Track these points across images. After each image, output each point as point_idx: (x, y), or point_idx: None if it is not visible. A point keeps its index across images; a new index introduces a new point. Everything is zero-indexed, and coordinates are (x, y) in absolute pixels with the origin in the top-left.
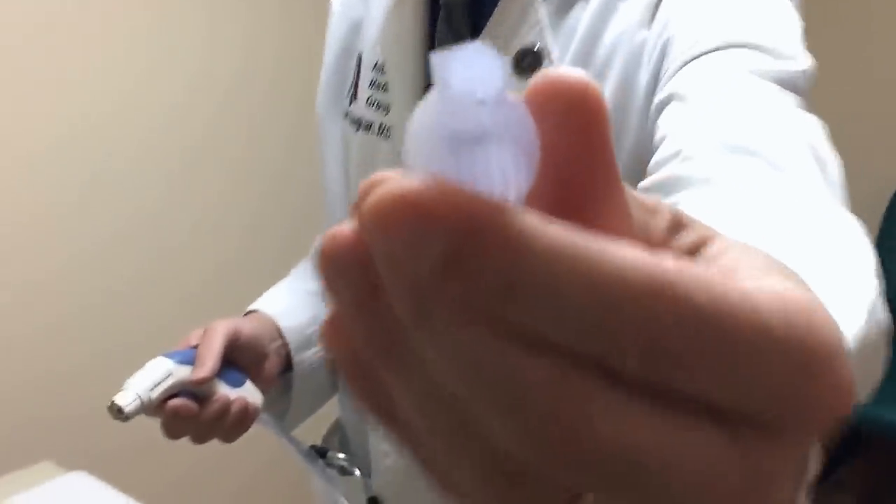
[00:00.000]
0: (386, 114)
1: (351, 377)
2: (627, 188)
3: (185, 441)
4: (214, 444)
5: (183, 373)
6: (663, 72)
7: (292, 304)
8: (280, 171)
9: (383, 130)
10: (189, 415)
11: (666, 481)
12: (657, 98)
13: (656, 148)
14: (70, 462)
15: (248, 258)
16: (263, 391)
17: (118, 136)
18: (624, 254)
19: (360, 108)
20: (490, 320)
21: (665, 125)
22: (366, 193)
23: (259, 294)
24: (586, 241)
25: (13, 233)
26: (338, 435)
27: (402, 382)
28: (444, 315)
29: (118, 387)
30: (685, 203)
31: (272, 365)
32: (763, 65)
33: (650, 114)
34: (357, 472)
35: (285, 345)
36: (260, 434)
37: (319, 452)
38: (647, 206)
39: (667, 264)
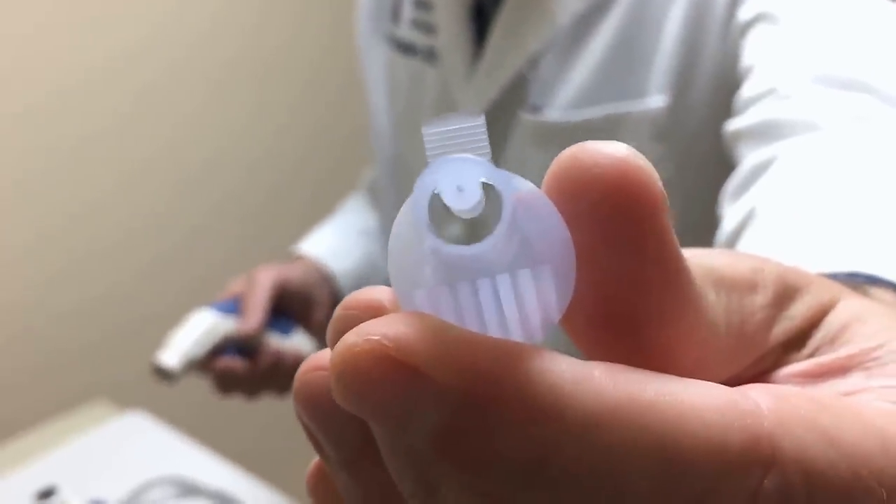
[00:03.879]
0: (432, 35)
1: None
2: (711, 272)
3: None
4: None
5: (229, 325)
6: None
7: (341, 245)
8: (328, 103)
9: (430, 55)
10: (241, 372)
11: None
12: (741, 15)
13: (742, 76)
14: (126, 400)
15: (292, 194)
16: (314, 338)
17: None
18: (698, 403)
19: (404, 30)
20: (516, 498)
21: (753, 52)
22: (340, 324)
23: (304, 231)
24: (644, 393)
25: (65, 168)
26: None
27: None
28: (453, 495)
29: (180, 318)
30: (787, 155)
31: (321, 311)
32: None
33: (731, 31)
34: None
35: (336, 289)
36: None
37: None
38: (741, 284)
39: (761, 410)
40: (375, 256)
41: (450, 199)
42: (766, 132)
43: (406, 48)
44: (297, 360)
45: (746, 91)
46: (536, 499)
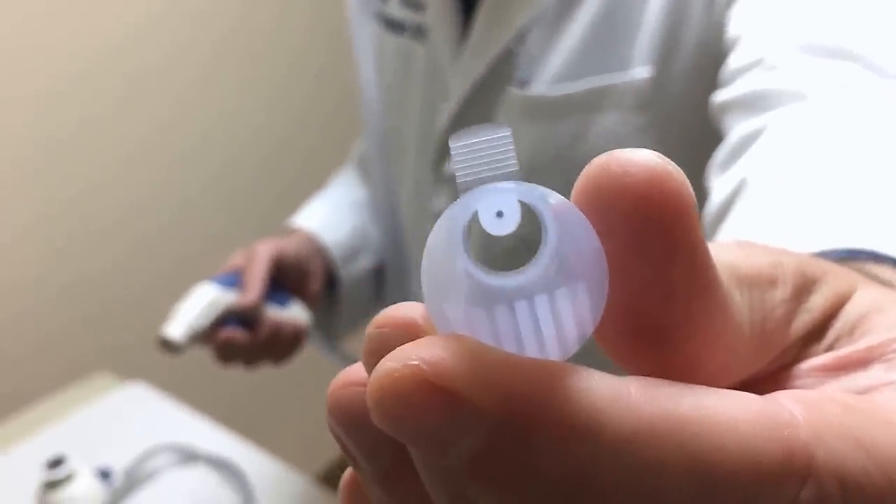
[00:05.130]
0: (420, 12)
1: None
2: (733, 270)
3: None
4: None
5: (230, 298)
6: None
7: (332, 217)
8: (316, 79)
9: (418, 32)
10: (241, 342)
11: None
12: None
13: (729, 47)
14: (127, 371)
15: (284, 169)
16: (310, 309)
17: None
18: (733, 416)
19: (394, 8)
20: None
21: (739, 22)
22: (374, 342)
23: (296, 205)
24: (680, 409)
25: (58, 154)
26: None
27: None
28: None
29: (177, 291)
30: (775, 125)
31: (316, 282)
32: None
33: (717, 2)
34: None
35: (329, 260)
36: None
37: None
38: (762, 280)
39: (795, 420)
40: (366, 227)
41: (490, 226)
42: (753, 103)
43: (395, 25)
44: (294, 331)
45: (733, 62)
46: None
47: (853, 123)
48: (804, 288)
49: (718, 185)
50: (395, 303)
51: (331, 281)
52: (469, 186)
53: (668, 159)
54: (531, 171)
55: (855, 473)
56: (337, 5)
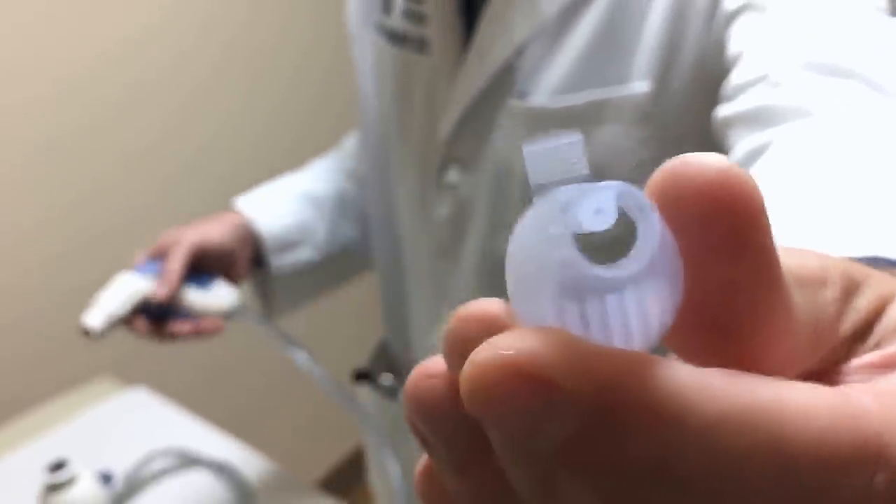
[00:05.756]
0: (422, 25)
1: None
2: (787, 270)
3: (246, 358)
4: (279, 364)
5: (147, 286)
6: None
7: (276, 207)
8: (319, 90)
9: (420, 44)
10: (150, 334)
11: None
12: (727, 5)
13: (730, 63)
14: (129, 377)
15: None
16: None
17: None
18: (808, 405)
19: (395, 20)
20: (638, 499)
21: (741, 39)
22: (461, 335)
23: None
24: (758, 397)
25: (58, 149)
26: (383, 357)
27: None
28: (574, 496)
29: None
30: (782, 139)
31: (243, 268)
32: None
33: (716, 20)
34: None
35: (260, 250)
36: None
37: (364, 376)
38: (814, 280)
39: (867, 411)
40: (311, 221)
41: (588, 222)
42: (758, 118)
43: (397, 37)
44: (210, 326)
45: (736, 78)
46: (656, 500)
47: (857, 138)
48: (851, 289)
49: None
50: (391, 307)
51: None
52: (544, 189)
53: (737, 164)
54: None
55: None
56: (342, 12)
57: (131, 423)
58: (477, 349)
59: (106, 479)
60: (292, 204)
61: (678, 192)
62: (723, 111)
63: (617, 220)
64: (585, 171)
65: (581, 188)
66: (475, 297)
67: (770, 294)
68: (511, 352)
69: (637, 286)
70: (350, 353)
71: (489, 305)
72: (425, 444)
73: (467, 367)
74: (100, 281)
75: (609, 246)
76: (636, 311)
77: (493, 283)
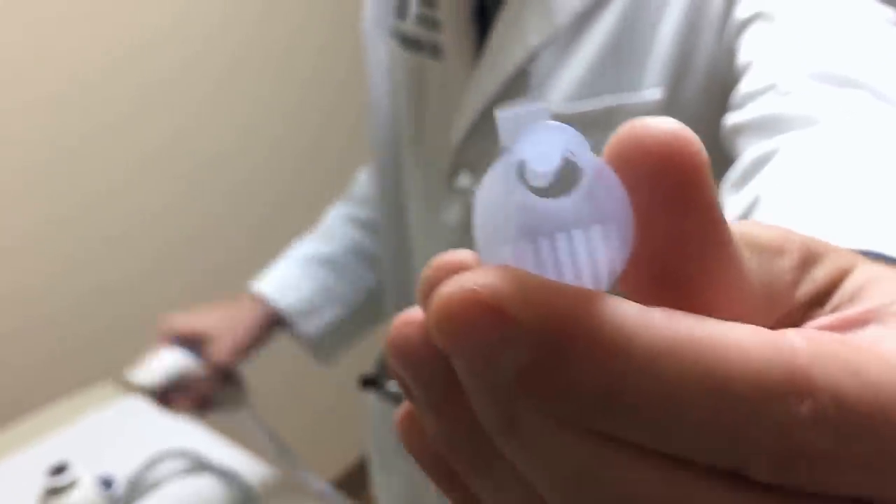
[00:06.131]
0: (436, 31)
1: (431, 474)
2: (746, 236)
3: (250, 364)
4: (283, 370)
5: (192, 368)
6: None
7: (291, 280)
8: (335, 94)
9: (434, 50)
10: (189, 409)
11: None
12: (738, 14)
13: (740, 72)
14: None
15: (299, 185)
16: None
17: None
18: (741, 339)
19: (409, 25)
20: (588, 430)
21: (751, 49)
22: (432, 281)
23: (315, 215)
24: (697, 332)
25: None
26: (387, 364)
27: (488, 487)
28: (533, 425)
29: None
30: (789, 146)
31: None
32: None
33: (727, 30)
34: None
35: (289, 323)
36: (303, 355)
37: (372, 382)
38: (772, 247)
39: (793, 345)
40: (330, 282)
41: (536, 162)
42: (766, 126)
43: (411, 43)
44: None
45: (745, 86)
46: (604, 425)
47: (862, 145)
48: (809, 260)
49: (731, 204)
50: (396, 311)
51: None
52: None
53: (685, 126)
54: None
55: (848, 394)
56: (357, 15)
57: (134, 427)
58: (442, 284)
59: (107, 483)
60: (305, 272)
61: (631, 151)
62: (732, 119)
63: (564, 166)
64: None
65: (531, 130)
66: None
67: (717, 249)
68: (471, 286)
69: (586, 229)
70: (357, 359)
71: (460, 254)
72: (405, 389)
73: (434, 299)
74: (107, 284)
75: (558, 190)
76: (585, 253)
77: None
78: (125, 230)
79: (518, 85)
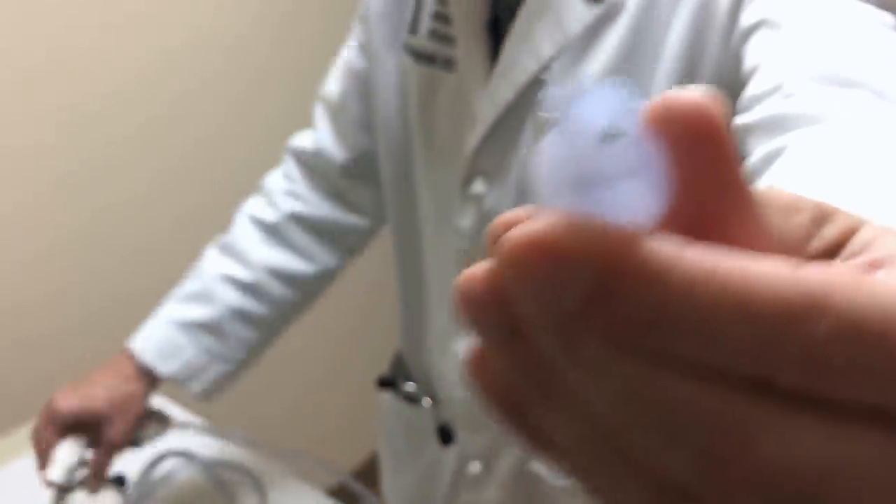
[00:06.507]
0: (449, 46)
1: (501, 411)
2: (764, 195)
3: (260, 365)
4: (294, 371)
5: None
6: None
7: (170, 344)
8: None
9: (446, 63)
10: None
11: (837, 494)
12: (744, 21)
13: (746, 77)
14: None
15: None
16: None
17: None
18: (766, 269)
19: (422, 41)
20: (640, 351)
21: (757, 54)
22: (498, 234)
23: None
24: (726, 262)
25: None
26: (400, 367)
27: (557, 414)
28: (591, 350)
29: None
30: (795, 144)
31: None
32: None
33: (734, 36)
34: (427, 401)
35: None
36: (315, 356)
37: (388, 383)
38: (787, 206)
39: (812, 274)
40: (211, 346)
41: (590, 123)
42: (773, 126)
43: (424, 57)
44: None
45: (751, 90)
46: (651, 344)
47: (864, 141)
48: (821, 218)
49: None
50: (409, 317)
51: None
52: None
53: (711, 95)
54: None
55: (861, 312)
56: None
57: None
58: (509, 232)
59: (119, 481)
60: (186, 337)
61: (665, 114)
62: (740, 120)
63: (612, 126)
64: None
65: (591, 94)
66: None
67: (741, 199)
68: (535, 230)
69: (630, 181)
70: (374, 362)
71: (521, 211)
72: (474, 330)
73: (503, 245)
74: (121, 294)
75: (609, 146)
76: (630, 202)
77: None
78: (143, 241)
79: (531, 94)
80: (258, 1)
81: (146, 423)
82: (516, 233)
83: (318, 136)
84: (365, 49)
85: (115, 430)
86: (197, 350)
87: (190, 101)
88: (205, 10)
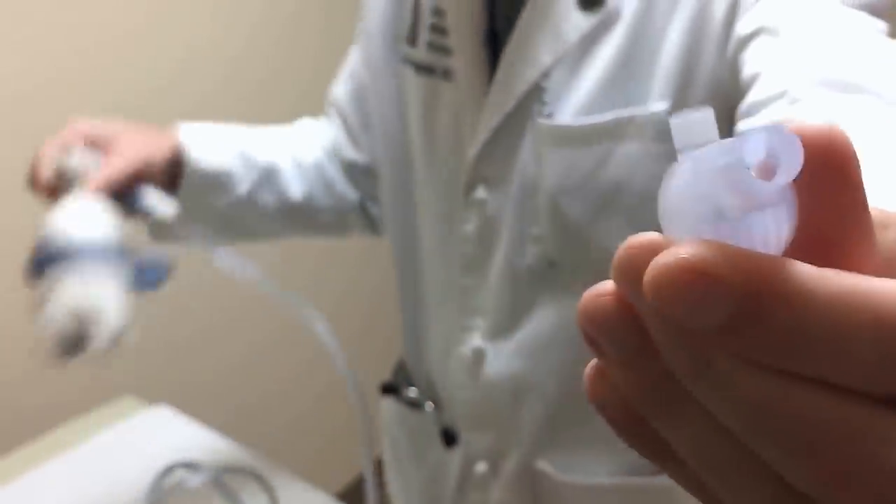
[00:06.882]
0: (447, 57)
1: (620, 425)
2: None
3: (261, 371)
4: (302, 377)
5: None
6: (742, 1)
7: (216, 147)
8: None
9: (445, 73)
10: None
11: None
12: (740, 30)
13: (747, 84)
14: (151, 395)
15: None
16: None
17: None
18: (894, 291)
19: (421, 53)
20: (775, 367)
21: (758, 61)
22: (632, 259)
23: None
24: (861, 284)
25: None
26: (402, 373)
27: (678, 429)
28: (725, 367)
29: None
30: None
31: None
32: None
33: (730, 44)
34: (430, 406)
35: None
36: (320, 364)
37: (390, 389)
38: (881, 223)
39: None
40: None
41: (748, 159)
42: None
43: (422, 69)
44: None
45: (754, 95)
46: (789, 364)
47: (871, 143)
48: None
49: None
50: (410, 323)
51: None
52: (685, 150)
53: (838, 125)
54: (560, 193)
55: None
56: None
57: (154, 439)
58: (658, 256)
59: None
60: (236, 159)
61: (810, 147)
62: (744, 126)
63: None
64: (717, 137)
65: (739, 138)
66: (503, 310)
67: (862, 222)
68: (684, 255)
69: (775, 207)
70: (378, 367)
71: (652, 236)
72: (597, 349)
73: (651, 269)
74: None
75: (750, 179)
76: (773, 227)
77: (520, 296)
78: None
79: (531, 101)
80: (257, 13)
81: (151, 193)
82: (666, 257)
83: (334, 137)
84: (365, 61)
85: (127, 149)
86: (238, 170)
87: (191, 115)
88: (203, 24)
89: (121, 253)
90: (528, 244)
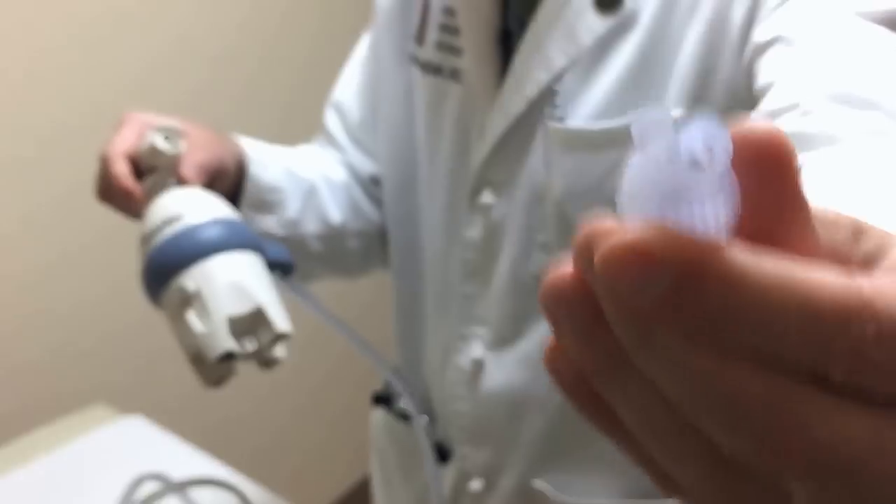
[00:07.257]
0: (456, 57)
1: (574, 396)
2: (813, 211)
3: (251, 389)
4: (285, 393)
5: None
6: (761, 8)
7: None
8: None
9: (453, 73)
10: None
11: (877, 473)
12: (757, 37)
13: (761, 92)
14: (124, 404)
15: None
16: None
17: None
18: (825, 278)
19: (429, 52)
20: (710, 342)
21: (772, 70)
22: (588, 241)
23: None
24: (792, 269)
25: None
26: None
27: (624, 399)
28: (664, 340)
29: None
30: (813, 164)
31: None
32: (869, 5)
33: (746, 51)
34: (424, 418)
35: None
36: (305, 375)
37: (383, 400)
38: (828, 222)
39: (864, 285)
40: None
41: (686, 151)
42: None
43: (430, 68)
44: None
45: (767, 105)
46: (721, 339)
47: (882, 163)
48: (858, 234)
49: None
50: (406, 331)
51: None
52: (643, 145)
53: (778, 126)
54: (570, 197)
55: None
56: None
57: (125, 450)
58: (608, 239)
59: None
60: (287, 176)
61: (738, 144)
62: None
63: (702, 152)
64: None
65: (691, 123)
66: (505, 319)
67: (801, 215)
68: (629, 237)
69: (714, 195)
70: (369, 377)
71: (607, 221)
72: (556, 324)
73: (601, 249)
74: (120, 307)
75: (696, 170)
76: (711, 215)
77: (524, 304)
78: (117, 246)
79: (543, 104)
80: (247, 8)
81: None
82: (612, 240)
83: (342, 152)
84: (374, 59)
85: (205, 143)
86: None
87: (180, 110)
88: (191, 18)
89: (258, 240)
90: (534, 251)
